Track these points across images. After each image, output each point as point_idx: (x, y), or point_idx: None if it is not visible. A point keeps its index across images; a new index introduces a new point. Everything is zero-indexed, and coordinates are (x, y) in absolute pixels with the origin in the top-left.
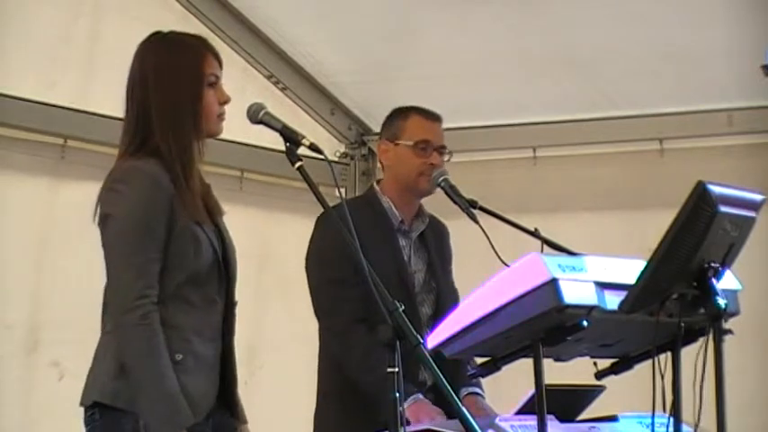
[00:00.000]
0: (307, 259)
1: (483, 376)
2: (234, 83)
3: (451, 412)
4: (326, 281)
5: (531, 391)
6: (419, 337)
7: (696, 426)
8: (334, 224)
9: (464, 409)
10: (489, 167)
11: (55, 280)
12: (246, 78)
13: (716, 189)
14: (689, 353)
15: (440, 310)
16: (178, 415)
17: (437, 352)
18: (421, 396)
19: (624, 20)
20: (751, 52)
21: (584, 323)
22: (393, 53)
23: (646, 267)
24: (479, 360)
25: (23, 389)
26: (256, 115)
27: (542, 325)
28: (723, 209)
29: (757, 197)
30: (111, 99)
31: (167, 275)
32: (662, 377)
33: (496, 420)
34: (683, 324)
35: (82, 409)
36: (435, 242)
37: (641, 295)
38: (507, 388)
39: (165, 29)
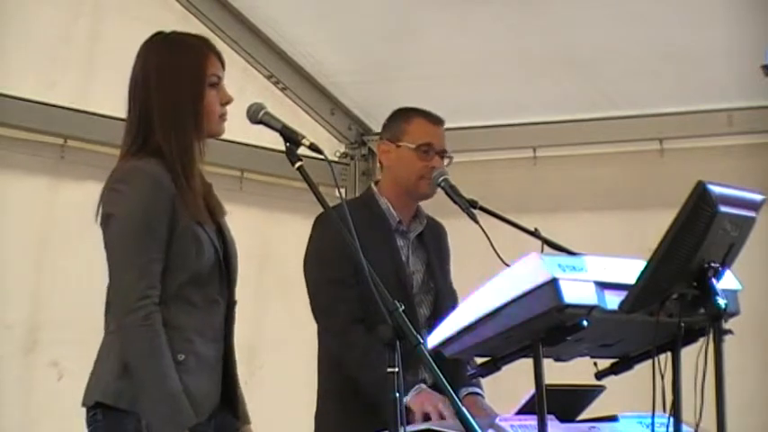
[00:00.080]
0: (305, 259)
1: (483, 376)
2: (234, 83)
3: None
4: (325, 281)
5: (531, 390)
6: (419, 336)
7: (697, 426)
8: (334, 224)
9: (464, 410)
10: (489, 167)
11: (55, 280)
12: (246, 78)
13: (716, 189)
14: (689, 353)
15: (438, 311)
16: (180, 415)
17: (437, 352)
18: (424, 386)
19: (624, 20)
20: (751, 52)
21: (584, 323)
22: (393, 53)
23: (646, 267)
24: (479, 360)
25: (23, 389)
26: (256, 115)
27: (542, 325)
28: (723, 209)
29: (757, 197)
30: (111, 99)
31: (169, 276)
32: (662, 377)
33: (496, 420)
34: (683, 324)
35: (82, 409)
36: (433, 243)
37: (641, 295)
38: (507, 388)
39: (166, 29)
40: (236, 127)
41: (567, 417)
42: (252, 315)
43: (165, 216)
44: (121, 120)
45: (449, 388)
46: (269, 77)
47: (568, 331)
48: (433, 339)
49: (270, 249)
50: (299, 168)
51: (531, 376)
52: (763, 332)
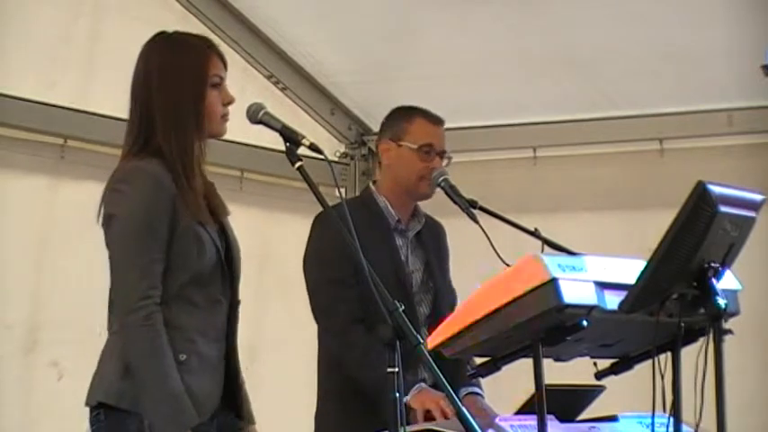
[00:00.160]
0: (305, 259)
1: (483, 376)
2: (234, 83)
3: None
4: (325, 281)
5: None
6: (419, 336)
7: (697, 426)
8: (334, 224)
9: (464, 410)
10: (489, 167)
11: (54, 280)
12: (246, 78)
13: (716, 189)
14: (689, 353)
15: (438, 310)
16: (182, 415)
17: (437, 352)
18: (424, 385)
19: (624, 20)
20: (751, 52)
21: (584, 323)
22: (393, 53)
23: (646, 267)
24: (479, 360)
25: (23, 389)
26: (256, 115)
27: (542, 325)
28: (723, 209)
29: (757, 197)
30: (111, 99)
31: (170, 276)
32: (662, 377)
33: (496, 420)
34: (683, 324)
35: (82, 409)
36: (432, 242)
37: (641, 295)
38: (507, 388)
39: (166, 29)
40: (236, 127)
41: (566, 417)
42: (252, 315)
43: (166, 216)
44: (121, 120)
45: (449, 388)
46: (269, 77)
47: (568, 331)
48: (433, 339)
49: (270, 249)
50: (299, 168)
51: (531, 376)
52: (763, 332)
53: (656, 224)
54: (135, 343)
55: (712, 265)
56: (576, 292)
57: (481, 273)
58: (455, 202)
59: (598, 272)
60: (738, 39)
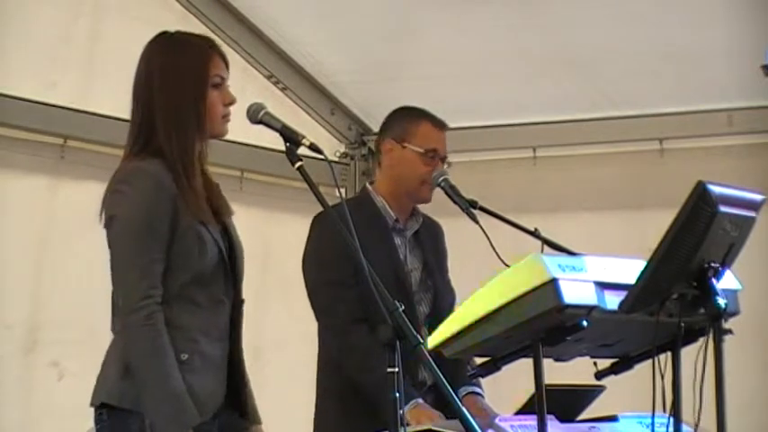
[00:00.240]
0: (304, 260)
1: (483, 376)
2: (234, 83)
3: (451, 412)
4: (325, 281)
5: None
6: (419, 336)
7: (696, 426)
8: (333, 224)
9: (464, 409)
10: (489, 167)
11: (55, 280)
12: (246, 78)
13: (716, 189)
14: (689, 353)
15: (437, 309)
16: (184, 414)
17: (437, 352)
18: (420, 401)
19: (624, 20)
20: (751, 52)
21: (584, 323)
22: (393, 53)
23: (646, 267)
24: (479, 360)
25: (23, 389)
26: (256, 115)
27: (542, 325)
28: (723, 209)
29: (757, 197)
30: (111, 99)
31: (171, 276)
32: (662, 377)
33: (496, 420)
34: (683, 324)
35: (82, 409)
36: (430, 241)
37: (641, 295)
38: (507, 388)
39: (166, 29)
40: (236, 127)
41: (567, 417)
42: (252, 315)
43: (167, 216)
44: (121, 120)
45: (449, 388)
46: (269, 77)
47: (568, 331)
48: (434, 339)
49: (270, 249)
50: (299, 168)
51: (531, 376)
52: (763, 332)
53: (656, 224)
54: (136, 343)
55: (712, 265)
56: (576, 292)
57: (481, 273)
58: (455, 202)
59: (598, 272)
60: (738, 39)
